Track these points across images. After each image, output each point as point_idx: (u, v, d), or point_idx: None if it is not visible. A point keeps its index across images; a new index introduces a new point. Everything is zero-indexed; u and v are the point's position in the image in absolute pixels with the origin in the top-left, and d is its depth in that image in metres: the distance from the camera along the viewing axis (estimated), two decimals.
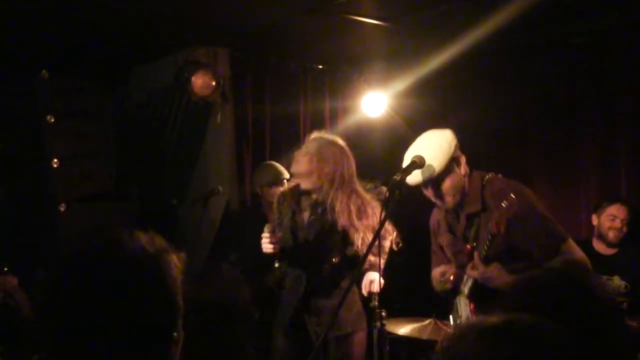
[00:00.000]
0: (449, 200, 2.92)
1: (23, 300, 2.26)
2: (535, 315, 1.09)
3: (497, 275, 2.76)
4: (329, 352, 3.34)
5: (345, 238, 3.34)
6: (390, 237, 3.43)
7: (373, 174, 5.09)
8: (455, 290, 3.06)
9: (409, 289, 4.36)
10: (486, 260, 2.77)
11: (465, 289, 2.95)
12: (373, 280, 3.24)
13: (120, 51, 4.63)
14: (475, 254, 2.83)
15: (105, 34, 4.33)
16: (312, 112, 5.45)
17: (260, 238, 3.37)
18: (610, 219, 4.20)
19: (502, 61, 4.93)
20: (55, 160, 4.09)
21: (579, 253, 2.89)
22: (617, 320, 1.07)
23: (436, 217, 3.19)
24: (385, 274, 3.08)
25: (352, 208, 3.32)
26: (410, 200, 2.91)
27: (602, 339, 1.10)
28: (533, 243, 2.82)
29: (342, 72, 5.60)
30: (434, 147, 2.87)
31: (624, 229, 4.19)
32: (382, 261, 3.07)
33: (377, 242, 2.78)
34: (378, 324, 2.85)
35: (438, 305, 3.37)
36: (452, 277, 3.00)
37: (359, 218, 3.31)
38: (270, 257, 3.39)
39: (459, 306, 3.06)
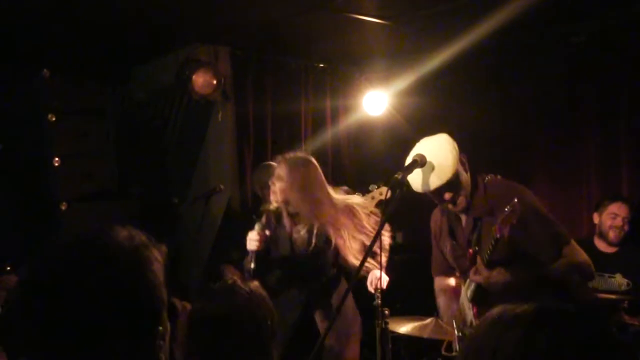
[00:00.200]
0: (461, 202, 2.92)
1: None
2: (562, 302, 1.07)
3: (502, 280, 2.76)
4: (326, 352, 3.37)
5: (337, 250, 3.42)
6: (387, 234, 3.46)
7: (374, 173, 5.11)
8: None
9: (410, 287, 4.36)
10: (489, 265, 2.76)
11: (468, 293, 2.94)
12: (379, 277, 3.25)
13: (121, 50, 4.63)
14: (478, 258, 2.82)
15: (106, 33, 4.33)
16: (313, 111, 5.44)
17: None
18: (611, 217, 4.20)
19: (503, 60, 4.93)
20: (57, 159, 4.09)
21: (582, 255, 2.89)
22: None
23: (437, 221, 3.18)
24: (387, 272, 3.09)
25: (334, 220, 3.39)
26: (411, 199, 2.90)
27: None
28: (536, 246, 2.81)
29: (344, 70, 5.60)
30: (441, 151, 2.85)
31: (625, 227, 4.19)
32: (384, 259, 3.09)
33: (378, 241, 2.78)
34: (381, 322, 2.85)
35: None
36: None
37: (340, 227, 3.39)
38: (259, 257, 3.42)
39: (461, 310, 3.05)
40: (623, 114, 4.50)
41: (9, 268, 3.03)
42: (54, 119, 4.11)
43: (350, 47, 5.08)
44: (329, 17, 4.29)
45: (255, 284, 2.07)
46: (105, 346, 1.10)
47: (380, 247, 2.87)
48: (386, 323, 2.82)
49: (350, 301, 3.50)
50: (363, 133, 5.68)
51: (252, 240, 3.37)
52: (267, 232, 3.43)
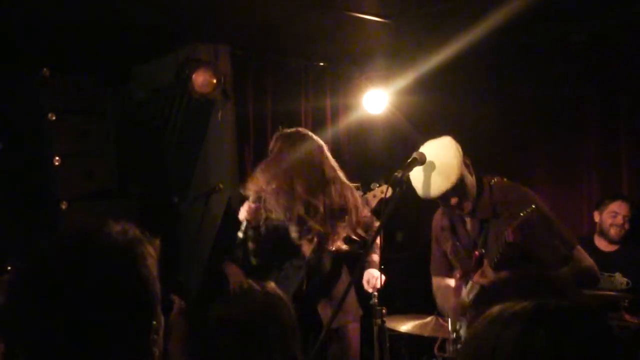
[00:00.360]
0: (467, 205, 2.91)
1: None
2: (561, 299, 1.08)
3: None
4: (327, 344, 3.36)
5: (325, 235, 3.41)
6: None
7: (374, 171, 5.11)
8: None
9: (410, 286, 4.36)
10: (497, 268, 2.74)
11: (471, 296, 2.93)
12: (375, 277, 3.25)
13: (121, 49, 4.63)
14: (485, 261, 2.81)
15: (106, 33, 4.33)
16: (314, 110, 5.44)
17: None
18: (612, 216, 4.21)
19: (503, 59, 4.93)
20: (57, 158, 4.09)
21: (588, 261, 2.90)
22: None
23: (439, 223, 3.16)
24: (386, 271, 3.08)
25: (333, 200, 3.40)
26: (411, 198, 2.90)
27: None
28: (545, 251, 2.81)
29: (344, 69, 5.60)
30: (445, 155, 2.84)
31: (626, 226, 4.19)
32: (379, 257, 3.10)
33: (377, 240, 2.78)
34: (379, 321, 2.85)
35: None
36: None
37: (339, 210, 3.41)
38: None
39: (459, 306, 3.04)
40: (623, 114, 4.51)
41: (9, 268, 3.02)
42: (54, 118, 4.11)
43: (350, 46, 5.08)
44: (329, 16, 4.28)
45: (271, 284, 2.05)
46: (99, 340, 1.11)
47: (381, 247, 2.87)
48: (383, 321, 2.82)
49: (352, 295, 3.46)
50: (363, 132, 5.68)
51: (243, 209, 3.45)
52: (255, 205, 3.45)
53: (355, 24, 4.40)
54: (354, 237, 3.42)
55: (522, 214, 2.60)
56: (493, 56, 4.89)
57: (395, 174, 2.72)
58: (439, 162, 2.80)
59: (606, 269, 4.04)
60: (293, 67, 5.34)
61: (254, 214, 3.45)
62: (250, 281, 2.05)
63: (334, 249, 3.38)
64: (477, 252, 2.89)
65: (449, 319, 3.07)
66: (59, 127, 4.17)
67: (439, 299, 3.19)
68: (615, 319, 3.72)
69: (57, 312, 1.09)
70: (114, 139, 4.52)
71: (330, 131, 5.49)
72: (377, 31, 4.58)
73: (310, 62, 5.42)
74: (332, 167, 3.47)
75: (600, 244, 4.26)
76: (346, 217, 3.38)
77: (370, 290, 3.26)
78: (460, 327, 2.99)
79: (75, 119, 4.24)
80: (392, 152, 5.34)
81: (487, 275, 2.77)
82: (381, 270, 3.01)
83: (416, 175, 2.85)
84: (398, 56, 5.23)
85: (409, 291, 4.37)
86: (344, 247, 3.35)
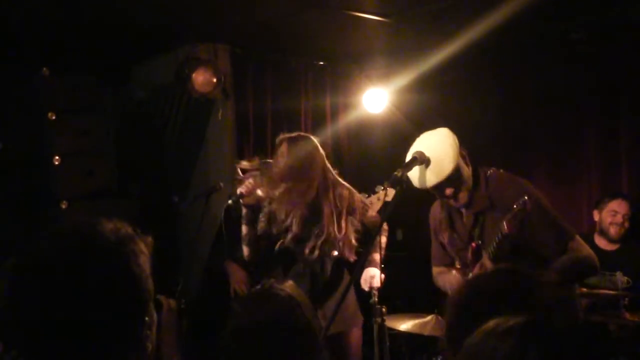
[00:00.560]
0: (463, 197, 2.91)
1: None
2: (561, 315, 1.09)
3: None
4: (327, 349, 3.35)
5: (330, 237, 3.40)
6: (385, 233, 3.46)
7: (374, 170, 5.11)
8: None
9: (410, 284, 4.36)
10: (494, 260, 2.75)
11: None
12: (374, 276, 3.25)
13: (121, 48, 4.63)
14: (484, 253, 2.82)
15: (106, 32, 4.33)
16: (313, 109, 5.44)
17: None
18: (611, 215, 4.21)
19: (503, 57, 4.93)
20: (57, 157, 4.09)
21: (587, 250, 2.90)
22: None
23: (437, 215, 3.17)
24: (386, 269, 3.08)
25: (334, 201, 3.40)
26: (411, 196, 2.90)
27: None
28: (542, 241, 2.81)
29: (343, 68, 5.60)
30: (441, 145, 2.85)
31: (626, 225, 4.19)
32: (379, 256, 3.09)
33: (380, 239, 2.78)
34: (378, 319, 2.85)
35: (439, 301, 3.38)
36: None
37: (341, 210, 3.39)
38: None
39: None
40: (623, 114, 4.51)
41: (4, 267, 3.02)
42: (54, 117, 4.11)
43: (350, 44, 5.08)
44: (329, 15, 4.28)
45: (289, 283, 2.00)
46: (92, 336, 1.12)
47: (380, 246, 2.87)
48: (383, 320, 2.82)
49: (352, 295, 3.47)
50: (363, 130, 5.68)
51: (241, 186, 3.46)
52: (251, 182, 3.45)
53: (355, 22, 4.40)
54: (359, 239, 3.41)
55: (516, 206, 2.60)
56: (493, 55, 4.90)
57: (395, 173, 2.72)
58: (435, 153, 2.81)
59: (607, 268, 4.04)
60: (293, 66, 5.34)
61: (251, 191, 3.43)
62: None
63: (337, 253, 3.38)
64: (473, 244, 2.90)
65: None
66: (59, 127, 4.17)
67: (440, 281, 3.19)
68: (615, 317, 3.73)
69: (49, 309, 1.10)
70: (114, 139, 4.52)
71: (330, 130, 5.50)
72: (377, 30, 4.57)
73: (310, 61, 5.41)
74: (332, 171, 3.50)
75: (601, 242, 4.26)
76: (350, 219, 3.38)
77: (366, 289, 3.26)
78: None
79: (75, 119, 4.24)
80: (391, 150, 5.34)
81: (486, 267, 2.78)
82: (381, 269, 3.01)
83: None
84: (398, 55, 5.23)
85: (409, 290, 4.38)
86: (352, 258, 3.33)
